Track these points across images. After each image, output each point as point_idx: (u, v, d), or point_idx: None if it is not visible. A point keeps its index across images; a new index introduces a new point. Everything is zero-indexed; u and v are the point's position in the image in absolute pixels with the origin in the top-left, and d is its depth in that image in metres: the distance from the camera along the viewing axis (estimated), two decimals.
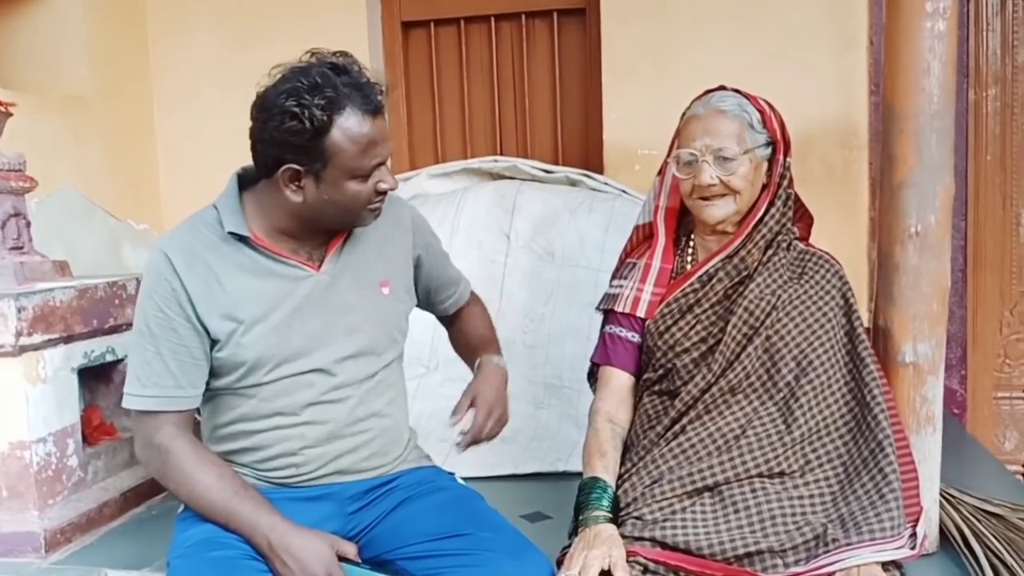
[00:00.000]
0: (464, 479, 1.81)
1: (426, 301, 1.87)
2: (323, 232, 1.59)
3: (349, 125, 1.44)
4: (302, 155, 1.45)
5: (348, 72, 1.46)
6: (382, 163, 1.52)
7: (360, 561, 1.55)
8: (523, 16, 3.32)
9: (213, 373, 1.58)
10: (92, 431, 2.30)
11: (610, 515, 1.61)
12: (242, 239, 1.55)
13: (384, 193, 1.55)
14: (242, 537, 1.50)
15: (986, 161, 3.02)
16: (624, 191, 2.82)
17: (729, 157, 1.69)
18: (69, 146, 3.03)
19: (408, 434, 1.80)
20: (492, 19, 3.34)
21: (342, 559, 1.51)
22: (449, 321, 1.98)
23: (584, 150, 3.32)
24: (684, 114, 1.79)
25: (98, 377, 2.36)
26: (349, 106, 1.44)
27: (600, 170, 3.14)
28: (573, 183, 2.88)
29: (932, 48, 1.73)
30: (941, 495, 1.88)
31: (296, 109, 1.41)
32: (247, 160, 3.57)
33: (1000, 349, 3.09)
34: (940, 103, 1.75)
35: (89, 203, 3.11)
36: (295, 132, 1.43)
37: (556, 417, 2.55)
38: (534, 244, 2.73)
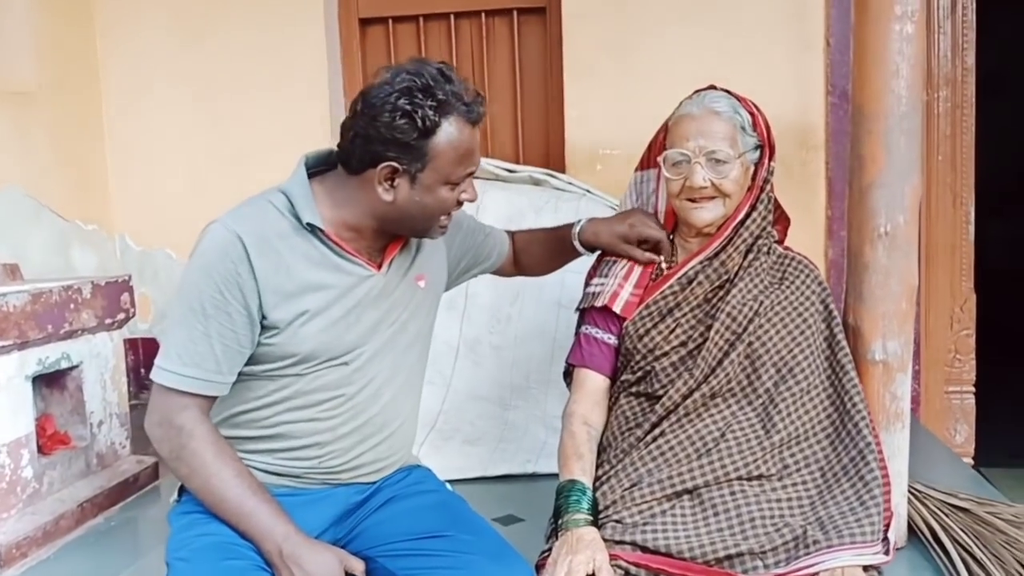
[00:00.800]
0: None
1: (474, 264, 1.90)
2: (390, 235, 1.59)
3: (453, 131, 1.46)
4: (405, 154, 1.46)
5: (452, 81, 1.48)
6: (472, 174, 1.55)
7: None
8: (483, 14, 3.30)
9: (254, 359, 1.53)
10: (46, 440, 2.22)
11: (591, 518, 1.60)
12: (314, 231, 1.53)
13: (460, 204, 1.58)
14: (250, 540, 1.46)
15: (937, 161, 3.09)
16: (588, 191, 2.82)
17: (723, 160, 1.68)
18: (14, 144, 2.92)
19: (415, 438, 1.80)
20: (451, 17, 3.31)
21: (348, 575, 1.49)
22: (511, 269, 2.03)
23: (545, 149, 3.31)
24: (674, 112, 1.77)
25: (51, 384, 2.29)
26: (455, 112, 1.46)
27: (562, 169, 3.13)
28: (537, 182, 2.87)
29: (901, 50, 1.76)
30: (907, 490, 1.92)
31: (409, 108, 1.43)
32: (200, 157, 3.51)
33: (951, 345, 3.17)
34: (908, 104, 1.78)
35: (36, 203, 3.01)
36: (404, 130, 1.44)
37: (524, 418, 2.54)
38: None
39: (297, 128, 3.24)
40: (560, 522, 1.61)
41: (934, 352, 3.16)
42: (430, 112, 1.43)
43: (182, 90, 3.33)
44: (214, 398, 1.51)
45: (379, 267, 1.59)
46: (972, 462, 3.19)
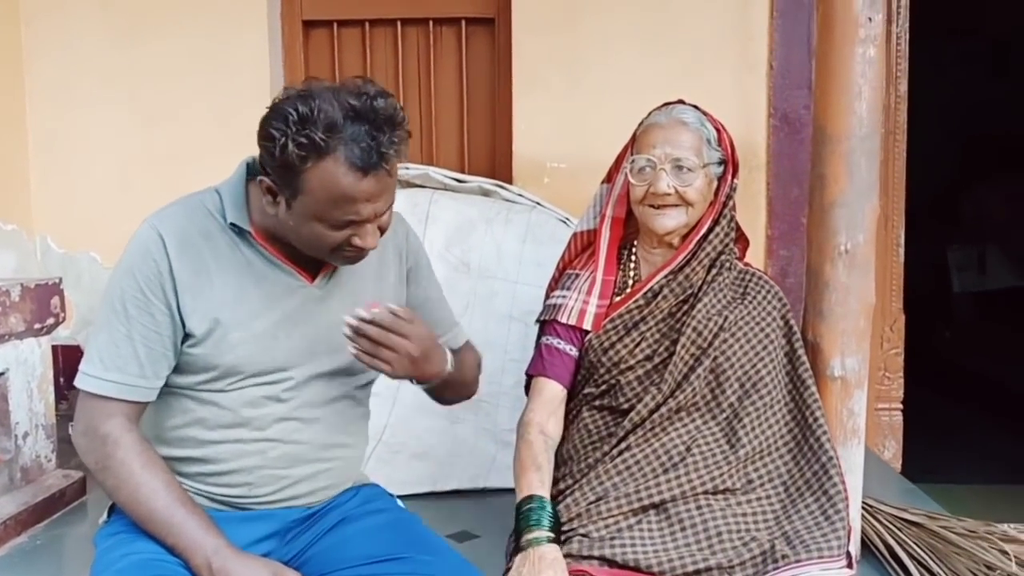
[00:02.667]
0: None
1: None
2: None
3: (328, 174, 1.30)
4: (276, 176, 1.35)
5: (365, 119, 1.31)
6: (361, 221, 1.37)
7: None
8: (430, 22, 3.25)
9: (177, 369, 1.44)
10: None
11: (552, 535, 1.57)
12: (242, 233, 1.44)
13: (358, 248, 1.41)
14: (178, 554, 1.37)
15: None
16: (538, 203, 2.80)
17: (688, 168, 1.69)
18: None
19: (363, 461, 1.71)
20: (398, 23, 3.26)
21: None
22: None
23: (491, 160, 3.29)
24: (642, 122, 1.79)
25: None
26: (337, 154, 1.30)
27: (508, 181, 3.11)
28: (486, 193, 2.83)
29: (864, 73, 1.81)
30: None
31: (275, 133, 1.30)
32: (130, 157, 3.35)
33: (881, 363, 3.26)
34: (869, 126, 1.83)
35: None
36: (268, 154, 1.33)
37: (473, 432, 2.50)
38: (449, 255, 2.67)
39: (235, 130, 3.08)
40: (522, 540, 1.57)
41: None
42: (292, 146, 1.29)
43: (113, 87, 3.18)
44: (142, 405, 1.43)
45: (312, 279, 1.50)
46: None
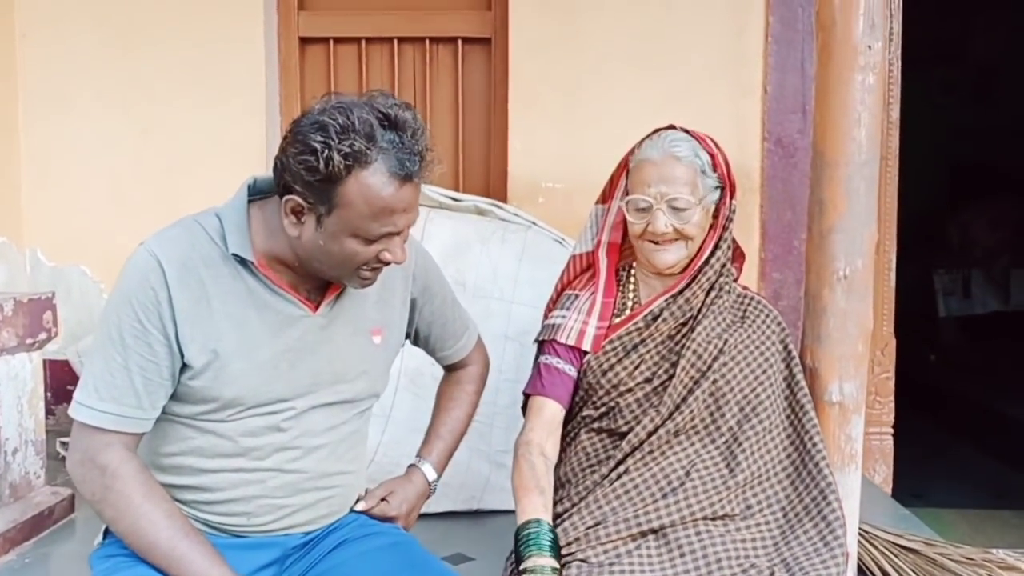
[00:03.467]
0: None
1: (424, 345, 1.76)
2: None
3: (370, 183, 1.29)
4: (310, 192, 1.31)
5: (398, 128, 1.31)
6: (396, 233, 1.36)
7: None
8: (427, 41, 3.27)
9: (175, 398, 1.41)
10: None
11: (555, 564, 1.55)
12: (244, 262, 1.40)
13: (385, 263, 1.40)
14: None
15: None
16: (534, 223, 2.80)
17: (684, 208, 1.69)
18: None
19: (363, 488, 1.69)
20: (395, 41, 3.27)
21: None
22: (451, 372, 1.85)
23: (486, 180, 3.29)
24: (635, 153, 1.78)
25: None
26: (377, 163, 1.29)
27: (503, 200, 3.12)
28: (481, 212, 2.83)
29: (863, 100, 1.81)
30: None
31: (317, 146, 1.27)
32: (124, 171, 3.33)
33: (872, 387, 3.27)
34: (868, 152, 1.83)
35: None
36: (309, 167, 1.29)
37: (467, 453, 2.47)
38: (444, 274, 2.66)
39: (229, 145, 3.12)
40: (524, 567, 1.55)
41: None
42: (337, 157, 1.27)
43: (108, 100, 3.17)
44: (138, 437, 1.40)
45: (316, 307, 1.47)
46: None
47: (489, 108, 3.28)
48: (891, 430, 3.29)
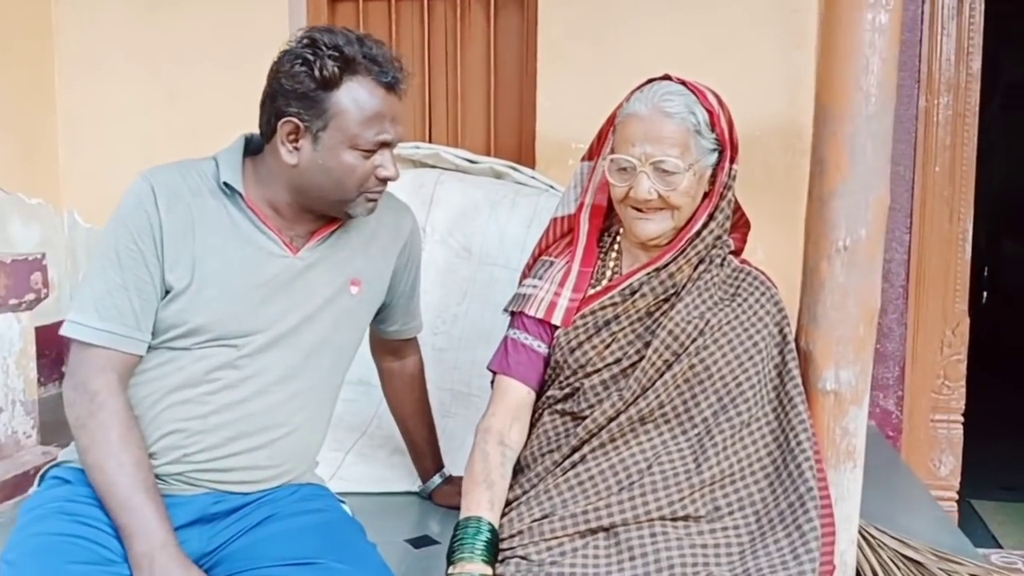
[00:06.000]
0: (357, 495, 1.68)
1: (380, 314, 1.78)
2: (314, 218, 1.51)
3: (360, 89, 1.41)
4: (305, 108, 1.40)
5: (366, 45, 1.43)
6: (387, 144, 1.46)
7: None
8: None
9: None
10: None
11: (487, 569, 1.41)
12: (233, 196, 1.47)
13: (384, 182, 1.49)
14: (123, 535, 1.34)
15: (934, 172, 2.88)
16: (551, 186, 2.63)
17: (671, 171, 1.49)
18: None
19: (316, 456, 1.65)
20: None
21: None
22: (383, 356, 1.95)
23: (518, 141, 3.13)
24: (622, 105, 1.58)
25: None
26: (364, 72, 1.41)
27: (532, 163, 2.95)
28: (498, 175, 2.68)
29: (872, 43, 1.56)
30: (860, 533, 1.72)
31: (310, 56, 1.38)
32: (154, 133, 3.34)
33: (940, 370, 2.96)
34: (878, 104, 1.57)
35: None
36: (302, 79, 1.39)
37: (463, 427, 2.35)
38: (451, 239, 2.53)
39: (255, 106, 3.03)
40: (449, 571, 1.42)
41: (921, 377, 2.94)
42: (330, 63, 1.38)
43: (138, 62, 3.17)
44: (134, 360, 1.43)
45: (296, 251, 1.50)
46: (957, 496, 2.99)
47: (521, 67, 3.09)
48: (960, 418, 2.96)
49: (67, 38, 3.20)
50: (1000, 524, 3.25)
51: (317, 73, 1.37)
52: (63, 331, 1.41)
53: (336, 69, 1.38)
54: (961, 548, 1.83)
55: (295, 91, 1.39)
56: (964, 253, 2.92)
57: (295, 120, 1.40)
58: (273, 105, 1.43)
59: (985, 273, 5.88)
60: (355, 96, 1.40)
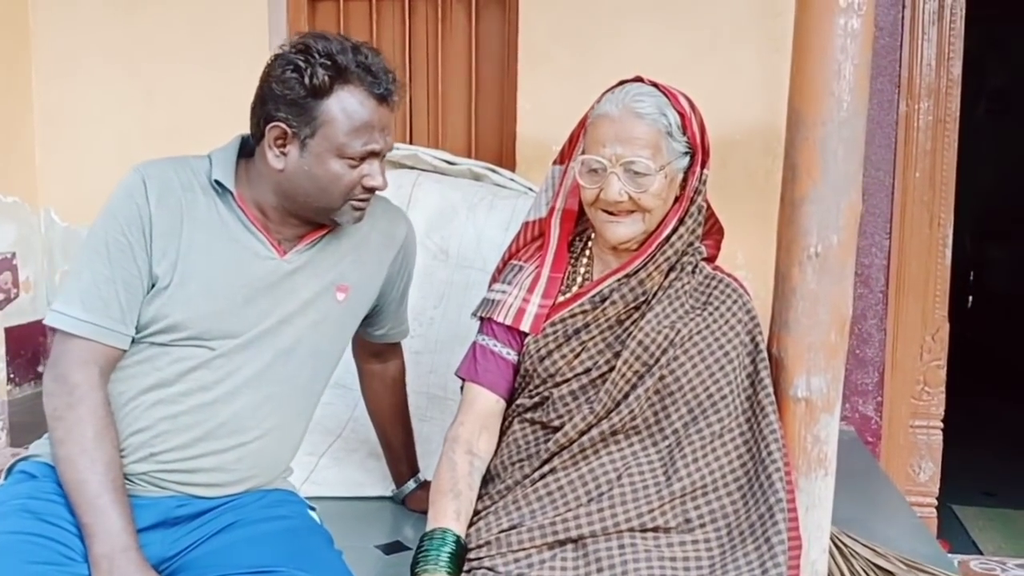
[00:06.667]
0: (330, 499, 1.66)
1: (369, 317, 1.77)
2: (301, 223, 1.51)
3: (350, 99, 1.40)
4: (294, 115, 1.40)
5: (361, 53, 1.42)
6: (376, 154, 1.46)
7: None
8: None
9: None
10: None
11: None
12: (224, 194, 1.47)
13: (371, 192, 1.48)
14: (85, 533, 1.32)
15: (915, 178, 2.87)
16: (529, 189, 2.61)
17: (642, 172, 1.47)
18: None
19: (288, 464, 1.64)
20: None
21: None
22: (366, 358, 1.93)
23: (499, 143, 3.11)
24: (594, 106, 1.57)
25: None
26: (355, 81, 1.40)
27: (512, 165, 2.93)
28: (477, 177, 2.67)
29: (844, 48, 1.55)
30: (833, 541, 1.71)
31: (301, 63, 1.38)
32: (131, 132, 3.31)
33: (920, 376, 2.95)
34: (851, 110, 1.57)
35: None
36: (292, 85, 1.38)
37: (439, 431, 2.30)
38: (428, 241, 2.51)
39: (234, 106, 2.97)
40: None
41: (900, 383, 2.93)
42: (321, 71, 1.37)
43: (116, 61, 3.14)
44: (117, 354, 1.42)
45: (284, 253, 1.50)
46: (936, 502, 2.98)
47: (502, 68, 3.08)
48: (940, 424, 2.95)
49: (44, 37, 3.17)
50: (980, 530, 3.25)
51: (308, 80, 1.37)
52: (47, 320, 1.41)
53: (327, 78, 1.38)
54: (935, 557, 1.82)
55: (285, 97, 1.39)
56: (944, 258, 2.91)
57: (283, 125, 1.40)
58: (263, 109, 1.43)
59: (971, 277, 5.92)
60: (345, 105, 1.40)
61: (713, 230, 1.73)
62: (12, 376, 2.27)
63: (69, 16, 3.14)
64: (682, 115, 1.53)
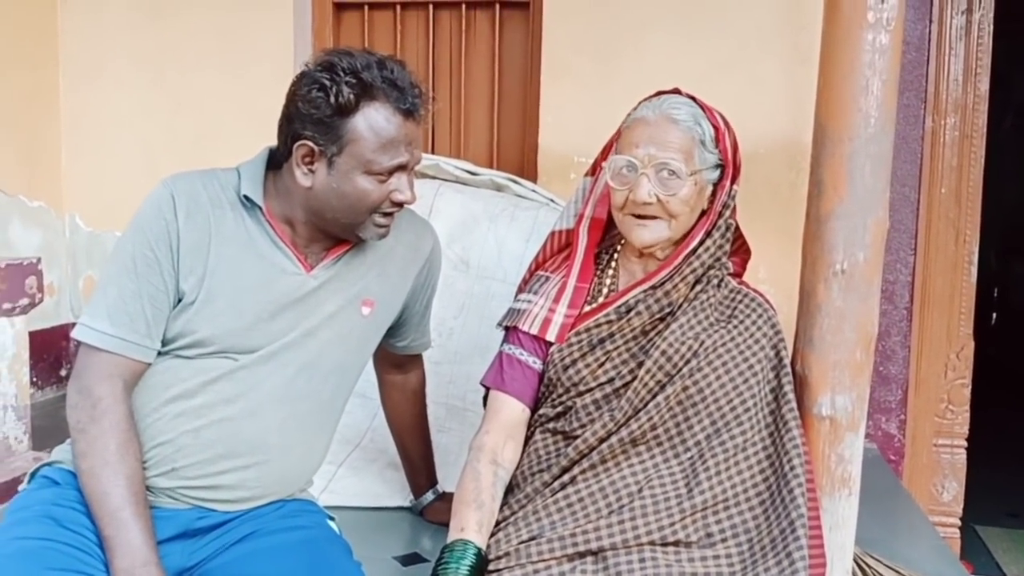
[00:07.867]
0: (348, 509, 1.65)
1: (393, 328, 1.75)
2: (328, 237, 1.50)
3: (376, 116, 1.39)
4: (320, 133, 1.39)
5: (386, 68, 1.41)
6: (403, 168, 1.45)
7: None
8: (463, 5, 3.09)
9: None
10: None
11: None
12: (252, 209, 1.47)
13: (398, 206, 1.47)
14: (107, 547, 1.32)
15: (940, 194, 2.84)
16: (552, 200, 2.61)
17: (674, 173, 1.48)
18: None
19: (310, 478, 1.63)
20: (431, 6, 3.12)
21: None
22: (387, 368, 1.91)
23: (520, 154, 3.11)
24: (629, 114, 1.58)
25: None
26: (381, 98, 1.39)
27: (534, 176, 2.93)
28: (499, 188, 2.66)
29: (872, 63, 1.54)
30: (856, 562, 1.69)
31: (326, 82, 1.37)
32: (157, 139, 3.34)
33: (944, 394, 2.91)
34: (878, 126, 1.55)
35: None
36: (318, 105, 1.38)
37: (457, 442, 2.33)
38: (449, 252, 2.51)
39: (259, 114, 2.99)
40: None
41: (924, 401, 2.89)
42: (346, 89, 1.36)
43: (142, 68, 3.16)
44: (141, 367, 1.42)
45: (311, 269, 1.49)
46: (959, 523, 2.94)
47: (525, 79, 3.08)
48: (964, 443, 2.91)
49: (72, 43, 3.19)
50: (1005, 551, 3.20)
51: (333, 99, 1.37)
52: (74, 334, 1.41)
53: (352, 96, 1.37)
54: None
55: (311, 116, 1.39)
56: (970, 276, 2.88)
57: (310, 144, 1.40)
58: (290, 127, 1.42)
59: (995, 294, 5.84)
60: (371, 123, 1.39)
61: (741, 250, 1.73)
62: (35, 380, 2.28)
63: (96, 23, 3.17)
64: (716, 128, 1.55)
